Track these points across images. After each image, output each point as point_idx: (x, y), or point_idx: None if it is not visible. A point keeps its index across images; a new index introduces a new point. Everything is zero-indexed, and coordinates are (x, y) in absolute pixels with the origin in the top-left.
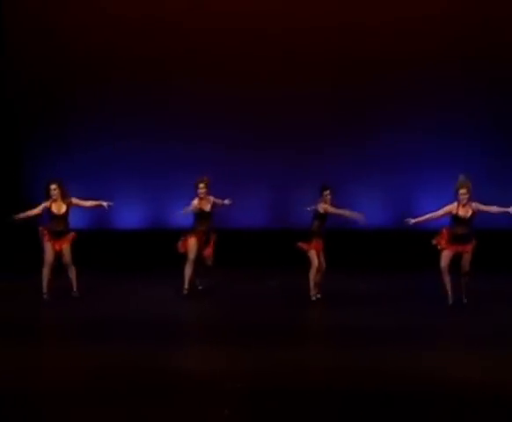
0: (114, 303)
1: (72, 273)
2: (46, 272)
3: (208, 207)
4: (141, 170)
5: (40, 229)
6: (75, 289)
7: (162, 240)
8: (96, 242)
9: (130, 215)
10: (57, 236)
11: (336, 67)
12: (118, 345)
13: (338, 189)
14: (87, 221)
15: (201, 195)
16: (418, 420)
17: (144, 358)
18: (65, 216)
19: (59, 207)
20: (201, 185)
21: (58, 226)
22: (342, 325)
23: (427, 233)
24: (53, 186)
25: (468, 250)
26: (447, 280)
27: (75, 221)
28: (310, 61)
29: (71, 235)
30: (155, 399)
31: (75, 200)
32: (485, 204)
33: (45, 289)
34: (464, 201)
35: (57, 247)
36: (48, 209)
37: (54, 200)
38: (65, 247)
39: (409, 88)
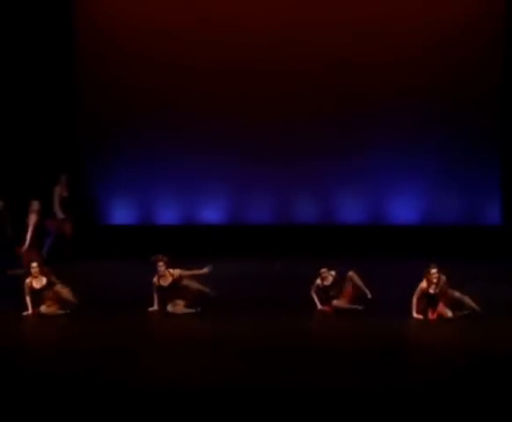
0: None
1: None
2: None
3: (167, 283)
4: (174, 179)
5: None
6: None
7: (191, 235)
8: (140, 236)
9: (166, 213)
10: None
11: (328, 100)
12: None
13: (328, 193)
14: (133, 218)
15: (161, 273)
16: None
17: (168, 322)
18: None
19: (38, 283)
20: (160, 264)
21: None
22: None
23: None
24: (33, 265)
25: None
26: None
27: (121, 217)
28: (307, 94)
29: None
30: (179, 357)
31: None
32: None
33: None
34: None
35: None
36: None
37: (35, 277)
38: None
39: (385, 115)
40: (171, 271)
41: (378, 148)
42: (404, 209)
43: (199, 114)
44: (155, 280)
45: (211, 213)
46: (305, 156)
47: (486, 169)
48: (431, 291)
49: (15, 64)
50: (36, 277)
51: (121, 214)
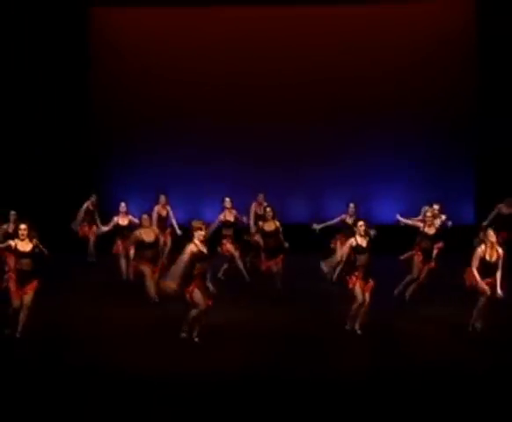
0: None
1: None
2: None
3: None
4: (181, 181)
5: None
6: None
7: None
8: None
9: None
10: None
11: (321, 113)
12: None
13: (320, 194)
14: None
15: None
16: None
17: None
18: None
19: (24, 246)
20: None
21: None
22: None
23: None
24: (22, 226)
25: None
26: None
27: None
28: (303, 107)
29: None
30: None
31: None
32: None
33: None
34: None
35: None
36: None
37: (22, 239)
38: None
39: (370, 126)
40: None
41: (364, 155)
42: (387, 210)
43: (204, 124)
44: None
45: (214, 213)
46: (300, 162)
47: (461, 174)
48: (488, 258)
49: (34, 74)
50: (23, 240)
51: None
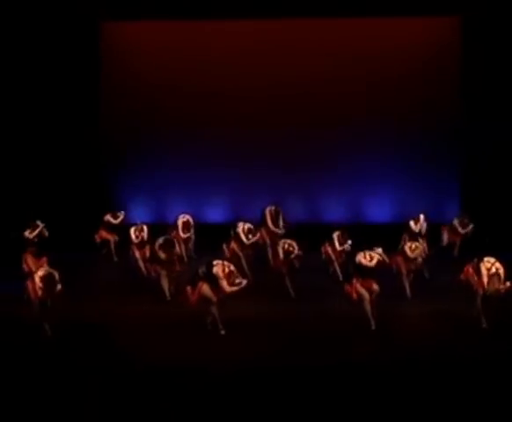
0: None
1: None
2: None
3: None
4: (184, 183)
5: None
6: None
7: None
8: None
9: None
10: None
11: (316, 120)
12: None
13: (316, 196)
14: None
15: None
16: None
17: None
18: None
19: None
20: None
21: None
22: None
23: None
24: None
25: None
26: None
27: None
28: (300, 115)
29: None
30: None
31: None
32: None
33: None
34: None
35: None
36: None
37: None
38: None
39: (362, 131)
40: None
41: (357, 158)
42: (378, 209)
43: (206, 130)
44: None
45: (215, 212)
46: (297, 165)
47: (446, 175)
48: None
49: (47, 85)
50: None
51: (139, 213)
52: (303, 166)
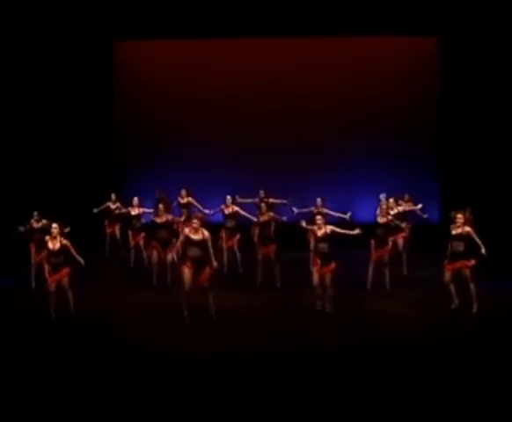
0: None
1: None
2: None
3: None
4: (188, 184)
5: None
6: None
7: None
8: None
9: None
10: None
11: (311, 130)
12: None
13: (310, 198)
14: None
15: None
16: None
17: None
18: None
19: (54, 244)
20: (195, 221)
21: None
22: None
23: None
24: (54, 225)
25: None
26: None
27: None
28: (297, 127)
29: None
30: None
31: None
32: None
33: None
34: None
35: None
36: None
37: (54, 237)
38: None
39: (350, 140)
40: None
41: (345, 164)
42: (365, 210)
43: (207, 137)
44: (186, 230)
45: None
46: (292, 169)
47: (428, 180)
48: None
49: (65, 100)
50: (55, 237)
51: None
52: (298, 170)
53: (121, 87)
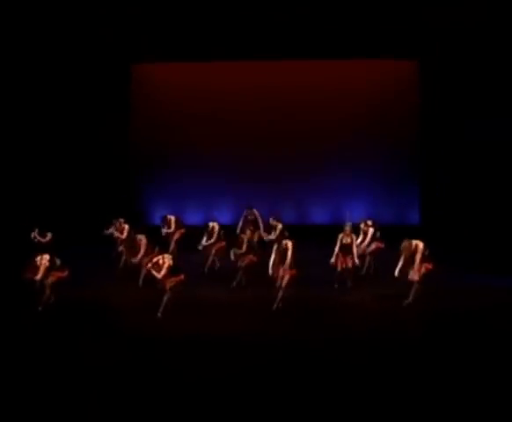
0: None
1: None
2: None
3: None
4: (199, 193)
5: None
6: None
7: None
8: None
9: (192, 217)
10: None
11: (304, 141)
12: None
13: (303, 202)
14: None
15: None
16: None
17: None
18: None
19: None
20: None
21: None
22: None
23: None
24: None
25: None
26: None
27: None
28: (292, 138)
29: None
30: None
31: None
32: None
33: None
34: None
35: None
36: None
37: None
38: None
39: (339, 152)
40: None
41: (336, 172)
42: (353, 213)
43: (217, 150)
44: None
45: (223, 216)
46: (288, 178)
47: (409, 185)
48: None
49: (84, 118)
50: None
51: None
52: (293, 179)
53: (137, 105)
